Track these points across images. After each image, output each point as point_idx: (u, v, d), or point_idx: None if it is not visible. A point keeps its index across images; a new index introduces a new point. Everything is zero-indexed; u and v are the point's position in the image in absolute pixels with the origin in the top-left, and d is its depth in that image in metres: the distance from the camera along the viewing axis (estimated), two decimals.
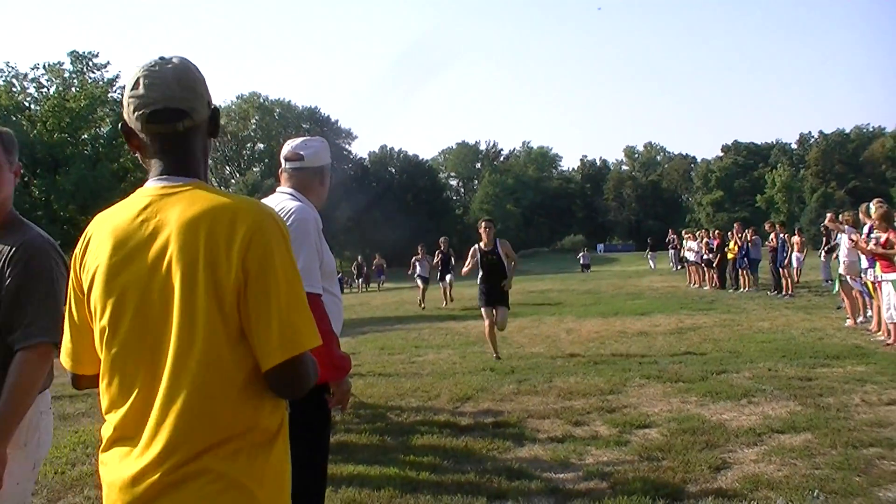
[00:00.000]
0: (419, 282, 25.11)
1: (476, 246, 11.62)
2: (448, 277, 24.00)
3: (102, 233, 1.98)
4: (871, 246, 10.67)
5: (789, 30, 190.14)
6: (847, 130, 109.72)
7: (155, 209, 1.94)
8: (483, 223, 11.73)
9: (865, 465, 5.39)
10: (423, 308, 23.14)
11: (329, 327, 3.48)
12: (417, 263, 25.62)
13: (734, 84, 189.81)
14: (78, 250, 2.05)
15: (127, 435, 1.90)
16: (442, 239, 24.35)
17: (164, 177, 2.00)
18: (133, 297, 1.89)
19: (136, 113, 1.98)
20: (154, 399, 1.86)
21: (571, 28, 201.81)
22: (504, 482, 5.47)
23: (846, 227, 13.91)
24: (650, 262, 48.32)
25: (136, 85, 1.98)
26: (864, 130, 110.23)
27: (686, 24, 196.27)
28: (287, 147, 3.90)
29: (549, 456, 6.10)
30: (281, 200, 3.71)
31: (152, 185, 2.00)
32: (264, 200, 3.82)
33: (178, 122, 1.98)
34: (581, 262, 56.02)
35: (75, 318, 2.07)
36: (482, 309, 11.65)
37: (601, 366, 10.22)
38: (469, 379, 9.72)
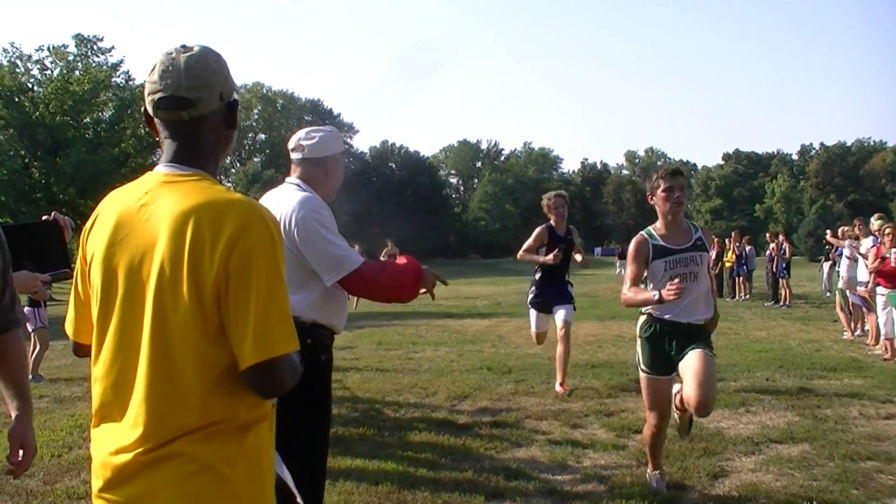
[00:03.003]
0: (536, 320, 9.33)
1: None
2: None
3: (109, 212, 2.04)
4: (893, 262, 10.64)
5: (795, 41, 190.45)
6: (848, 143, 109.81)
7: (154, 196, 1.99)
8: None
9: (863, 479, 5.39)
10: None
11: (384, 270, 3.84)
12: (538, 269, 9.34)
13: (737, 92, 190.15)
14: (88, 225, 2.12)
15: (109, 413, 1.97)
16: (553, 201, 9.10)
17: (172, 164, 2.04)
18: (124, 280, 1.95)
19: (148, 98, 2.05)
20: (133, 382, 1.91)
21: (576, 30, 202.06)
22: (502, 482, 5.47)
23: (846, 241, 13.97)
24: (619, 269, 48.83)
25: (152, 71, 2.05)
26: (866, 144, 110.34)
27: (691, 31, 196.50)
28: (294, 138, 3.89)
29: (547, 457, 6.11)
30: (287, 192, 3.73)
31: (159, 171, 2.06)
32: (271, 192, 3.83)
33: (182, 110, 2.01)
34: None
35: (79, 289, 2.14)
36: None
37: (598, 369, 10.25)
38: (466, 377, 9.74)
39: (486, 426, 7.08)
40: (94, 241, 2.04)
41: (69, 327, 2.20)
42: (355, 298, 19.08)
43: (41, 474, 5.87)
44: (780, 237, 21.76)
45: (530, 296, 9.13)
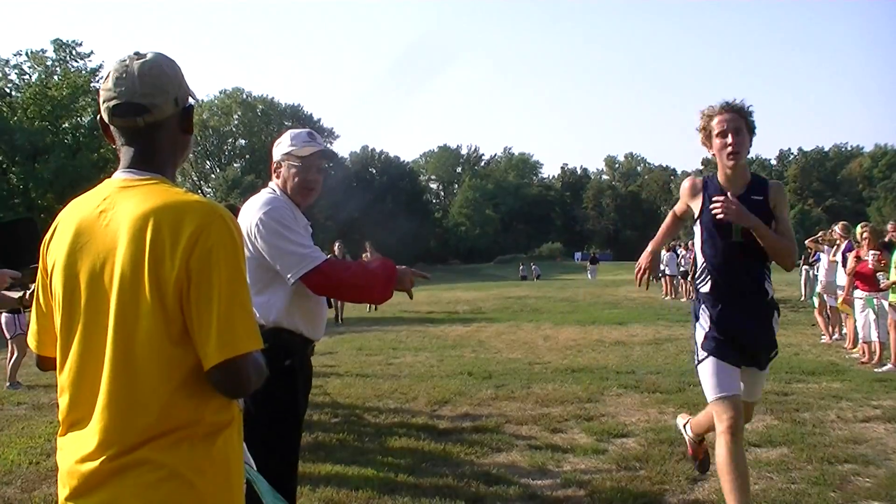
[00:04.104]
0: (717, 374, 4.27)
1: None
2: None
3: (68, 221, 2.05)
4: (871, 264, 10.71)
5: (773, 47, 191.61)
6: (826, 149, 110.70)
7: (113, 201, 2.00)
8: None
9: (841, 482, 5.43)
10: None
11: (350, 269, 3.77)
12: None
13: (717, 98, 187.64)
14: (48, 236, 2.13)
15: (76, 421, 1.97)
16: (722, 117, 4.31)
17: (130, 170, 2.07)
18: (86, 287, 1.96)
19: (103, 105, 2.07)
20: (98, 388, 1.91)
21: (556, 36, 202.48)
22: (482, 487, 5.47)
23: (825, 246, 14.10)
24: (589, 274, 49.71)
25: (106, 79, 2.08)
26: (843, 149, 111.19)
27: (670, 37, 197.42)
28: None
29: (527, 462, 6.11)
30: (259, 194, 3.76)
31: (117, 178, 2.08)
32: (251, 198, 3.83)
33: (138, 116, 2.04)
34: (521, 273, 58.66)
35: (41, 301, 2.14)
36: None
37: (579, 374, 10.25)
38: (447, 382, 9.73)
39: (466, 431, 7.09)
40: (54, 251, 2.06)
41: (31, 341, 2.21)
42: (336, 310, 18.87)
43: (19, 482, 5.85)
44: None
45: (701, 329, 4.37)
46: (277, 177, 3.83)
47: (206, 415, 1.96)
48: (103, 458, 1.87)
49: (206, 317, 1.88)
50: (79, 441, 1.93)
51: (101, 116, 2.11)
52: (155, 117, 2.05)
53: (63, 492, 1.95)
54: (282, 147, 3.83)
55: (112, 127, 2.09)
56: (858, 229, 11.70)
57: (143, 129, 2.05)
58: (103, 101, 2.06)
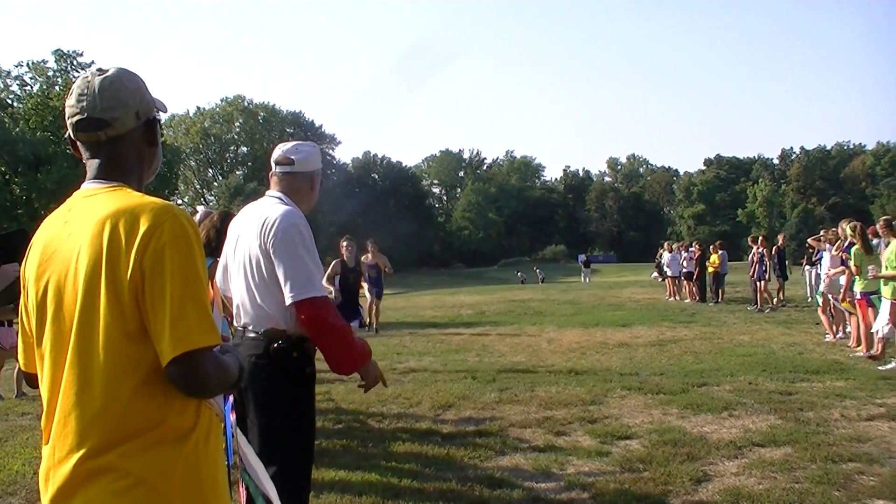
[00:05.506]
0: None
1: None
2: None
3: (39, 238, 2.11)
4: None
5: (774, 45, 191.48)
6: (828, 147, 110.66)
7: (75, 212, 2.05)
8: None
9: (845, 480, 5.42)
10: None
11: (342, 322, 3.54)
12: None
13: (718, 98, 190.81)
14: (27, 256, 2.15)
15: (52, 430, 1.99)
16: None
17: (94, 180, 2.11)
18: (53, 296, 2.00)
19: (68, 121, 2.12)
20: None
21: (557, 38, 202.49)
22: (486, 490, 5.46)
23: (827, 244, 14.07)
24: (584, 277, 50.40)
25: (70, 95, 2.13)
26: (845, 147, 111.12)
27: (671, 38, 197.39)
28: (278, 151, 3.86)
29: (531, 465, 6.10)
30: (270, 204, 3.69)
31: (82, 189, 2.12)
32: (252, 204, 3.82)
33: (99, 130, 2.09)
34: (520, 278, 60.17)
35: (24, 321, 2.17)
36: None
37: (582, 376, 10.23)
38: (450, 387, 9.71)
39: (470, 435, 7.08)
40: (28, 270, 2.10)
41: (21, 358, 2.25)
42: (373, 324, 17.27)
43: (23, 492, 5.84)
44: (761, 239, 21.60)
45: None
46: (312, 188, 3.88)
47: (168, 416, 1.97)
48: (73, 463, 1.90)
49: (161, 313, 1.90)
50: (52, 448, 1.96)
51: (68, 133, 2.16)
52: (116, 131, 2.10)
53: (44, 499, 1.99)
54: (315, 161, 3.91)
55: (77, 141, 2.15)
56: (849, 230, 11.66)
57: (105, 142, 2.11)
58: (68, 118, 2.12)
